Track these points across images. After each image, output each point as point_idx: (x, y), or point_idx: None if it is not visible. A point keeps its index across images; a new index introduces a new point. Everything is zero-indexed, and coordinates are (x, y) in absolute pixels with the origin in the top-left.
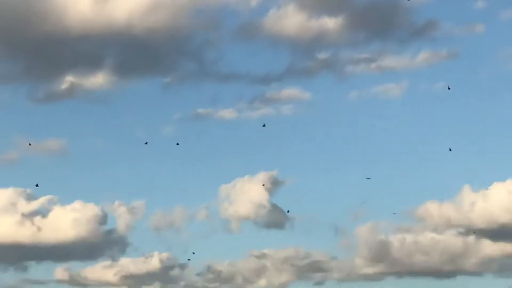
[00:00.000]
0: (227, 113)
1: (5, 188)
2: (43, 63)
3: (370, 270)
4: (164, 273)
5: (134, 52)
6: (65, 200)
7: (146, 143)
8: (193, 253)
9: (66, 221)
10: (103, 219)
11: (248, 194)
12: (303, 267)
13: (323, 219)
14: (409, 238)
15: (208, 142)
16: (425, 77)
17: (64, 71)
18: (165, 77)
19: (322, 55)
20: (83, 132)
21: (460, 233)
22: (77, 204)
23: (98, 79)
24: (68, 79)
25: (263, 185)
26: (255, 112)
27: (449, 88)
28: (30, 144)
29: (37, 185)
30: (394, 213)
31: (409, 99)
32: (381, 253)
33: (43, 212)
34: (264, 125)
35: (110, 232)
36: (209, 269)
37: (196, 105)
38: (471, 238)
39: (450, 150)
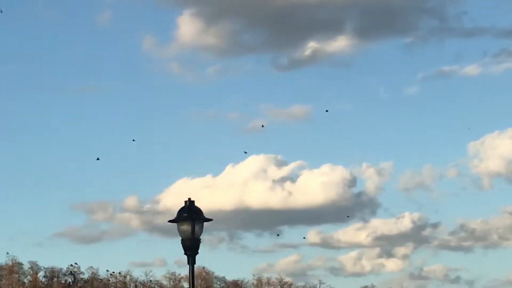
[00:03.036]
0: (472, 69)
1: (257, 155)
2: (285, 31)
3: None
4: (416, 233)
5: (373, 14)
6: (314, 164)
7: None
8: None
9: (316, 185)
10: (352, 181)
11: (498, 150)
12: None
13: None
14: None
15: (453, 99)
16: None
17: (306, 38)
18: (406, 36)
19: None
20: (327, 97)
21: None
22: (325, 168)
23: (340, 43)
24: (311, 45)
25: None
26: (500, 66)
27: None
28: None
29: (98, 159)
30: None
31: None
32: None
33: (292, 177)
34: None
35: (359, 194)
36: (462, 227)
37: (439, 63)
38: None
39: None
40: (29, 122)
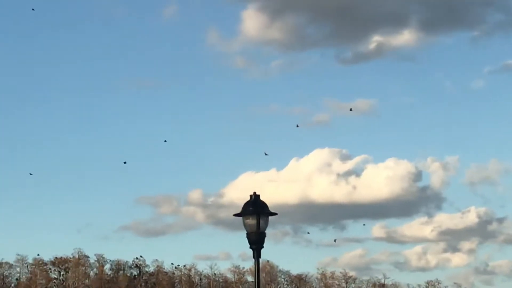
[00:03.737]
0: None
1: (321, 149)
2: (349, 24)
3: None
4: (482, 228)
5: (439, 7)
6: (378, 158)
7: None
8: None
9: (380, 179)
10: (417, 176)
11: None
12: None
13: None
14: None
15: None
16: None
17: (370, 31)
18: (473, 30)
19: None
20: (392, 91)
21: None
22: (390, 162)
23: (405, 37)
24: (375, 39)
25: None
26: None
27: None
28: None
29: (125, 163)
30: None
31: None
32: None
33: (357, 171)
34: None
35: (424, 188)
36: None
37: (505, 56)
38: None
39: None
40: (94, 117)
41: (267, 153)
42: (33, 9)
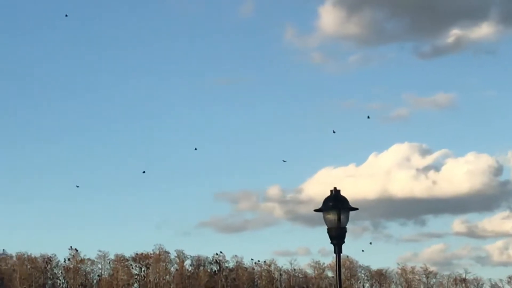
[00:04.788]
0: None
1: (400, 143)
2: (428, 18)
3: None
4: None
5: None
6: (459, 152)
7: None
8: None
9: (460, 174)
10: (498, 170)
11: None
12: None
13: None
14: None
15: None
16: None
17: (449, 25)
18: None
19: None
20: (472, 84)
21: None
22: (470, 156)
23: (484, 30)
24: (454, 32)
25: None
26: None
27: None
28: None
29: (144, 172)
30: None
31: None
32: None
33: (437, 166)
34: None
35: (505, 183)
36: None
37: None
38: None
39: None
40: (173, 114)
41: (285, 160)
42: (66, 15)
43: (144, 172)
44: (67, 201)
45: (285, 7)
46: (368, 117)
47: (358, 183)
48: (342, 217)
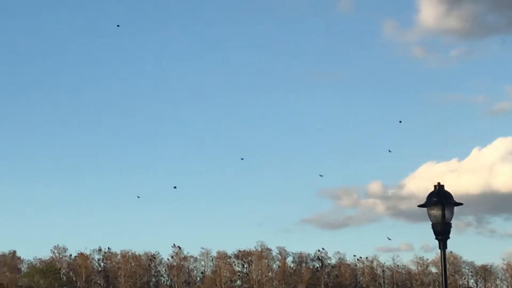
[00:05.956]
0: None
1: (504, 137)
2: None
3: None
4: None
5: None
6: None
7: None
8: None
9: None
10: None
11: None
12: None
13: None
14: None
15: None
16: None
17: None
18: None
19: None
20: None
21: None
22: None
23: None
24: None
25: None
26: None
27: None
28: None
29: (175, 187)
30: None
31: None
32: None
33: None
34: None
35: None
36: None
37: None
38: None
39: None
40: (269, 109)
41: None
42: (118, 26)
43: (175, 187)
44: (169, 199)
45: (384, 2)
46: (400, 122)
47: (461, 178)
48: (446, 212)
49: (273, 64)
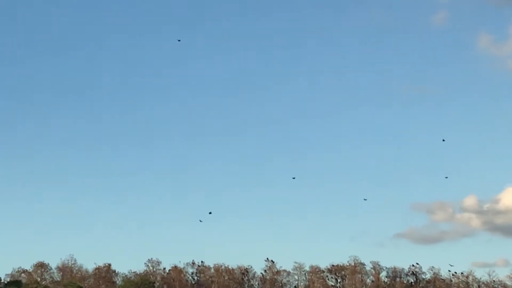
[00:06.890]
0: None
1: None
2: None
3: None
4: None
5: None
6: None
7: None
8: None
9: None
10: None
11: None
12: None
13: None
14: None
15: None
16: None
17: None
18: None
19: None
20: None
21: None
22: None
23: None
24: None
25: None
26: None
27: None
28: None
29: (210, 213)
30: None
31: None
32: None
33: None
34: None
35: None
36: None
37: None
38: None
39: None
40: (362, 119)
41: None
42: (179, 40)
43: (210, 213)
44: (261, 215)
45: (479, 15)
46: (443, 140)
47: None
48: None
49: (359, 72)
